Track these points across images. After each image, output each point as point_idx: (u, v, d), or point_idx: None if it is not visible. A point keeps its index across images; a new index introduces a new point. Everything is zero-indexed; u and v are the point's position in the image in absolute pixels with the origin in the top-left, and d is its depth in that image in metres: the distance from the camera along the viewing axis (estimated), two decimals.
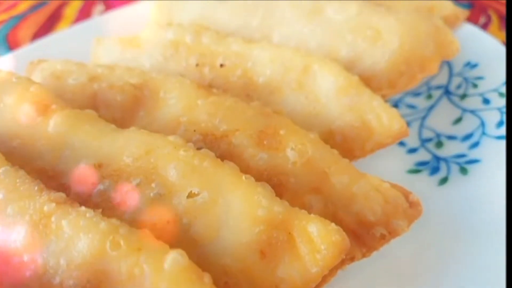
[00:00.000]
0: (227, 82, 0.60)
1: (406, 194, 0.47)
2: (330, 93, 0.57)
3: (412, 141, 0.70)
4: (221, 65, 0.61)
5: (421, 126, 0.72)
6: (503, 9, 1.15)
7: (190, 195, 0.39)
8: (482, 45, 0.82)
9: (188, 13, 0.74)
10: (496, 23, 1.06)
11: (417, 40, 0.61)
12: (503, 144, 0.63)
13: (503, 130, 0.65)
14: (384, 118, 0.55)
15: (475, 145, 0.65)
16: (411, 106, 0.76)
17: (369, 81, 0.63)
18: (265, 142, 0.48)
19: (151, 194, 0.40)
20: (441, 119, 0.72)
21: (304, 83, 0.59)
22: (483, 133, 0.66)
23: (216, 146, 0.49)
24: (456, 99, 0.75)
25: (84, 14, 1.14)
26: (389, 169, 0.64)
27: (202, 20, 0.72)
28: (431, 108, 0.76)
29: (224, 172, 0.40)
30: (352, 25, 0.64)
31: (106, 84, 0.55)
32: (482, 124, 0.67)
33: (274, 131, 0.49)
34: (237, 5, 0.70)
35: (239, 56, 0.61)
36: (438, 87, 0.79)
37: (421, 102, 0.78)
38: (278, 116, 0.52)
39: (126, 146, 0.43)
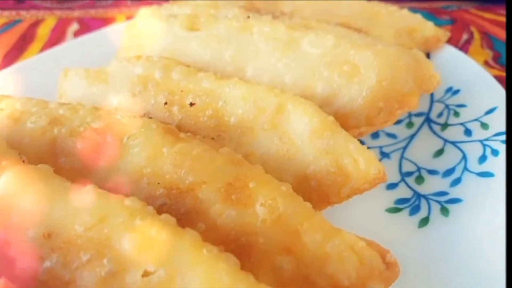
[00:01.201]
0: (197, 122, 0.57)
1: (383, 254, 0.44)
2: (304, 136, 0.54)
3: (392, 174, 0.67)
4: (191, 104, 0.58)
5: (402, 157, 0.69)
6: (485, 24, 1.13)
7: (145, 274, 0.36)
8: (465, 69, 0.80)
9: (160, 43, 0.70)
10: (478, 40, 1.04)
11: (396, 75, 0.59)
12: (485, 182, 0.60)
13: (485, 166, 0.62)
14: (361, 163, 0.52)
15: (457, 182, 0.63)
16: (392, 135, 0.74)
17: (346, 118, 0.60)
18: (233, 197, 0.45)
19: (103, 273, 0.36)
20: (422, 150, 0.70)
21: (277, 123, 0.56)
22: (465, 169, 0.63)
23: (181, 202, 0.46)
24: (437, 128, 0.73)
25: (58, 33, 1.11)
26: (367, 207, 0.62)
27: (174, 51, 0.69)
28: (412, 137, 0.73)
29: (184, 244, 0.36)
30: (328, 60, 0.61)
31: (67, 129, 0.52)
32: (464, 158, 0.65)
33: (243, 183, 0.46)
34: (210, 36, 0.67)
35: (210, 94, 0.58)
36: (419, 114, 0.77)
37: (401, 131, 0.76)
38: (248, 165, 0.49)
39: (79, 211, 0.40)
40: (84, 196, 0.40)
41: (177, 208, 0.45)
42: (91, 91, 0.64)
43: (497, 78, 0.89)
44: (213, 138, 0.57)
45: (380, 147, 0.73)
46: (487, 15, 1.21)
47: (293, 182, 0.54)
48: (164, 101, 0.59)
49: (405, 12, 0.90)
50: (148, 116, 0.60)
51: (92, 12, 1.18)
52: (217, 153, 0.50)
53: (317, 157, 0.53)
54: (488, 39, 1.09)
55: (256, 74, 0.63)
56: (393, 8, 0.92)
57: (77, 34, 1.11)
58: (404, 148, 0.73)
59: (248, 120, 0.57)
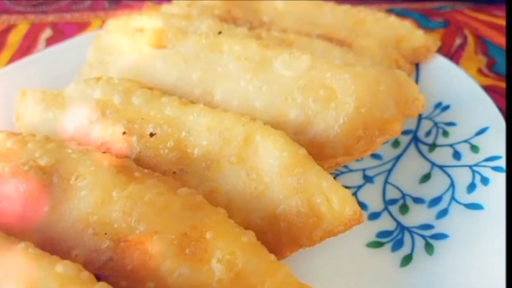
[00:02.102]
0: (158, 155, 0.52)
1: None
2: (273, 172, 0.49)
3: (376, 202, 0.62)
4: (151, 134, 0.53)
5: (386, 182, 0.64)
6: (479, 26, 1.07)
7: None
8: (456, 83, 0.75)
9: (124, 61, 0.65)
10: (472, 45, 0.99)
11: (375, 100, 0.53)
12: (473, 215, 0.55)
13: (474, 196, 0.57)
14: (334, 202, 0.47)
15: (443, 213, 0.58)
16: (376, 156, 0.69)
17: (322, 147, 0.55)
18: (187, 251, 0.40)
19: None
20: (408, 174, 0.65)
21: (245, 157, 0.51)
22: (453, 198, 0.58)
23: (129, 257, 0.41)
24: (424, 149, 0.68)
25: (29, 40, 1.05)
26: (347, 241, 0.57)
27: (139, 71, 0.63)
28: (397, 159, 0.68)
29: None
30: (303, 83, 0.56)
31: (10, 168, 0.47)
32: (452, 185, 0.60)
33: (200, 234, 0.41)
34: (176, 54, 0.61)
35: (173, 123, 0.53)
36: (406, 132, 0.71)
37: (387, 151, 0.70)
38: (209, 209, 0.44)
39: (8, 275, 0.34)
40: (13, 259, 0.35)
41: (124, 265, 0.40)
42: (47, 117, 0.59)
43: (492, 87, 0.84)
44: (175, 173, 0.51)
45: (364, 170, 0.68)
46: (482, 16, 1.15)
47: (262, 223, 0.49)
48: (123, 131, 0.54)
49: (392, 19, 0.85)
50: (105, 146, 0.55)
51: (67, 17, 1.12)
52: (174, 196, 0.44)
53: (287, 196, 0.48)
54: (482, 43, 1.03)
55: (225, 98, 0.58)
56: (380, 15, 0.86)
57: (49, 41, 1.05)
58: (389, 171, 0.68)
59: (214, 152, 0.52)
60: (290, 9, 0.90)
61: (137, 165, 0.51)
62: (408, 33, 0.84)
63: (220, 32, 0.66)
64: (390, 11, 1.14)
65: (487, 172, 0.60)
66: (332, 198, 0.48)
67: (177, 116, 0.54)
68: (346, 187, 0.62)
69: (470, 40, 1.06)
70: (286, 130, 0.56)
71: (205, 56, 0.60)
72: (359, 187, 0.65)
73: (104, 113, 0.56)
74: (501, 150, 0.61)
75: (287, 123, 0.56)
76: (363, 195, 0.64)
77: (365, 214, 0.62)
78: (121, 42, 0.67)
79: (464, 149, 0.66)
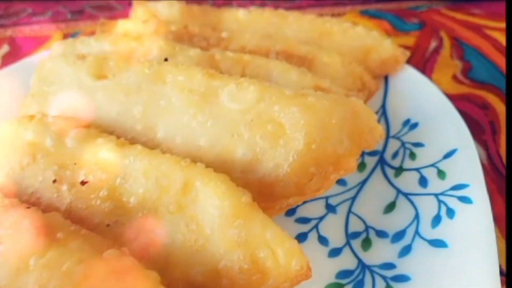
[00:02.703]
0: (90, 206, 0.48)
1: None
2: (214, 223, 0.45)
3: (338, 236, 0.58)
4: (83, 182, 0.48)
5: (349, 212, 0.60)
6: (456, 27, 1.03)
7: None
8: (425, 98, 0.71)
9: (63, 94, 0.60)
10: (448, 48, 0.94)
11: (327, 135, 0.49)
12: (437, 254, 0.51)
13: (438, 232, 0.53)
14: (280, 256, 0.43)
15: (406, 251, 0.54)
16: (341, 182, 0.65)
17: (271, 188, 0.51)
18: None
19: None
20: (373, 202, 0.61)
21: (184, 206, 0.46)
22: (417, 233, 0.54)
23: None
24: (391, 173, 0.64)
25: None
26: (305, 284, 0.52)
27: (79, 104, 0.58)
28: (363, 184, 0.64)
29: None
30: (250, 118, 0.51)
31: None
32: (417, 217, 0.56)
33: None
34: (118, 86, 0.57)
35: (107, 168, 0.49)
36: (373, 153, 0.67)
37: (352, 175, 0.66)
38: (136, 275, 0.39)
39: None
40: None
41: None
42: None
43: (466, 96, 0.81)
44: (108, 225, 0.47)
45: (327, 198, 0.64)
46: (459, 15, 1.11)
47: (203, 280, 0.45)
48: (53, 178, 0.49)
49: (359, 29, 0.80)
50: (35, 196, 0.50)
51: (27, 30, 1.06)
52: (98, 261, 0.40)
53: (228, 250, 0.44)
54: (458, 46, 0.99)
55: (168, 135, 0.54)
56: (346, 25, 0.81)
57: (6, 58, 1.00)
58: (353, 199, 0.64)
59: (151, 201, 0.47)
60: (253, 20, 0.85)
61: (67, 218, 0.47)
62: (376, 43, 0.79)
63: (166, 59, 0.61)
64: (364, 13, 1.10)
65: (453, 203, 0.56)
66: (277, 251, 0.44)
67: (112, 160, 0.49)
68: (307, 219, 0.59)
69: (446, 42, 1.01)
70: (233, 169, 0.52)
71: (147, 88, 0.56)
72: (321, 218, 0.61)
73: (35, 158, 0.51)
74: (469, 178, 0.57)
75: (234, 161, 0.51)
76: (324, 228, 0.60)
77: (325, 250, 0.58)
78: (61, 71, 0.62)
79: (430, 174, 0.62)
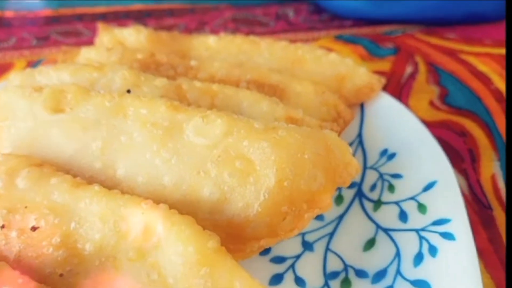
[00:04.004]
0: (41, 254, 0.43)
1: None
2: (177, 271, 0.41)
3: (315, 277, 0.54)
4: (34, 228, 0.43)
5: (327, 249, 0.56)
6: (431, 52, 1.02)
7: None
8: (403, 126, 0.68)
9: (17, 130, 0.55)
10: (424, 74, 0.93)
11: (299, 171, 0.46)
12: None
13: (421, 271, 0.50)
14: None
15: None
16: (318, 217, 0.60)
17: (241, 229, 0.47)
18: None
19: None
20: (351, 238, 0.58)
21: (145, 252, 0.42)
22: (398, 273, 0.51)
23: None
24: (369, 206, 0.60)
25: None
26: None
27: (33, 141, 0.54)
28: (340, 218, 0.61)
29: None
30: (217, 153, 0.47)
31: None
32: (398, 255, 0.52)
33: None
34: (75, 120, 0.52)
35: (60, 211, 0.44)
36: (351, 185, 0.63)
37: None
38: None
39: None
40: None
41: None
42: None
43: (444, 123, 0.79)
44: (61, 275, 0.42)
45: (303, 235, 0.60)
46: (434, 40, 1.09)
47: None
48: (1, 223, 0.44)
49: (333, 56, 0.77)
50: None
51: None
52: None
53: None
54: (434, 71, 0.97)
55: (128, 173, 0.49)
56: (319, 52, 0.78)
57: None
58: (331, 235, 0.60)
59: (109, 247, 0.43)
60: (224, 47, 0.82)
61: (16, 269, 0.42)
62: (350, 71, 0.76)
63: (128, 91, 0.57)
64: (339, 38, 1.08)
65: (435, 240, 0.53)
66: None
67: (66, 203, 0.45)
68: (283, 258, 0.55)
69: (422, 67, 0.99)
70: (200, 210, 0.48)
71: (107, 122, 0.52)
72: (298, 257, 0.57)
73: None
74: (450, 212, 0.54)
75: (200, 201, 0.47)
76: (301, 268, 0.57)
77: None
78: (16, 104, 0.57)
79: (410, 208, 0.58)
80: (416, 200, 0.59)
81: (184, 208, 0.47)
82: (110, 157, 0.51)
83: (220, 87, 0.63)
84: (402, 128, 0.70)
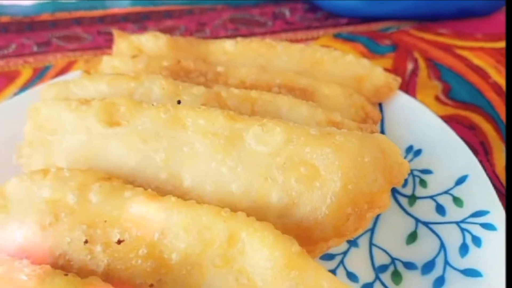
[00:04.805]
0: (130, 266, 0.45)
1: None
2: (266, 275, 0.43)
3: (365, 271, 0.58)
4: (119, 242, 0.45)
5: (371, 244, 0.59)
6: (428, 48, 1.06)
7: None
8: (423, 123, 0.72)
9: (71, 143, 0.56)
10: (425, 69, 0.97)
11: (363, 174, 0.49)
12: (473, 284, 0.51)
13: (469, 261, 0.54)
14: None
15: (440, 282, 0.54)
16: None
17: (310, 232, 0.50)
18: None
19: None
20: (393, 233, 0.61)
21: (231, 258, 0.45)
22: (447, 263, 0.54)
23: None
24: (404, 202, 0.64)
25: None
26: None
27: (90, 155, 0.55)
28: (378, 215, 0.63)
29: None
30: (281, 161, 0.50)
31: None
32: (443, 247, 0.56)
33: None
34: (133, 133, 0.54)
35: (142, 224, 0.46)
36: None
37: None
38: None
39: None
40: None
41: None
42: None
43: (453, 117, 0.82)
44: (152, 286, 0.44)
45: None
46: (428, 36, 1.14)
47: None
48: (84, 238, 0.46)
49: (350, 58, 0.81)
50: (65, 259, 0.47)
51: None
52: None
53: None
54: (434, 67, 1.02)
55: (195, 183, 0.52)
56: (336, 53, 0.82)
57: None
58: (372, 230, 0.64)
59: (194, 255, 0.45)
60: (241, 51, 0.84)
61: (106, 281, 0.44)
62: (368, 71, 0.80)
63: (179, 101, 0.58)
64: (338, 36, 1.11)
65: (477, 231, 0.57)
66: None
67: (146, 215, 0.47)
68: (332, 255, 0.58)
69: (421, 63, 1.04)
70: (268, 214, 0.51)
71: (166, 134, 0.54)
72: (345, 253, 0.61)
73: (58, 217, 0.48)
74: (487, 204, 0.58)
75: (269, 206, 0.50)
76: (350, 263, 0.60)
77: (357, 287, 0.57)
78: (63, 117, 0.58)
79: (446, 202, 0.62)
80: (451, 194, 0.63)
81: (254, 213, 0.50)
82: (174, 168, 0.53)
83: (258, 93, 0.66)
84: (423, 125, 0.74)
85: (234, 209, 0.50)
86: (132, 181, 0.54)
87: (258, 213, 0.50)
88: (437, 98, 0.93)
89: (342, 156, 0.50)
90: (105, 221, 0.47)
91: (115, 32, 0.87)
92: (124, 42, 0.86)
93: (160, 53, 0.84)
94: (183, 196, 0.52)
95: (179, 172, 0.53)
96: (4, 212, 0.50)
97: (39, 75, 0.98)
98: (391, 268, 0.58)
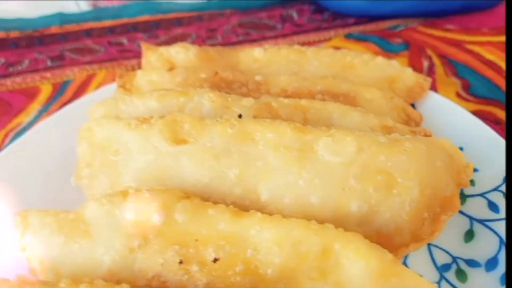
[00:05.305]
0: (230, 284, 0.46)
1: None
2: (364, 285, 0.44)
3: (428, 269, 0.59)
4: (215, 260, 0.46)
5: (429, 244, 0.61)
6: (439, 44, 1.09)
7: None
8: (459, 122, 0.73)
9: (138, 162, 0.56)
10: (440, 66, 1.00)
11: (437, 179, 0.51)
12: None
13: None
14: None
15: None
16: None
17: (390, 238, 0.52)
18: None
19: None
20: (449, 232, 0.62)
21: (327, 271, 0.46)
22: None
23: None
24: None
25: None
26: None
27: (162, 173, 0.56)
28: None
29: None
30: (357, 170, 0.52)
31: None
32: (502, 243, 0.57)
33: None
34: (202, 149, 0.55)
35: (233, 241, 0.47)
36: None
37: None
38: None
39: None
40: None
41: None
42: (70, 249, 0.50)
43: (478, 112, 0.85)
44: None
45: None
46: (437, 32, 1.17)
47: None
48: (178, 259, 0.46)
49: (380, 60, 0.83)
50: (159, 280, 0.47)
51: (8, 83, 0.99)
52: None
53: None
54: (449, 63, 1.05)
55: (273, 196, 0.53)
56: (366, 56, 0.83)
57: None
58: None
59: (289, 269, 0.46)
60: (271, 58, 0.85)
61: None
62: (398, 72, 0.82)
63: (240, 115, 0.59)
64: (349, 36, 1.13)
65: None
66: None
67: (236, 232, 0.48)
68: None
69: (436, 61, 1.06)
70: (348, 223, 0.52)
71: (237, 150, 0.54)
72: (406, 256, 0.62)
73: (147, 239, 0.48)
74: None
75: (349, 215, 0.51)
76: (413, 264, 0.61)
77: None
78: (124, 137, 0.59)
79: (498, 199, 0.64)
80: (501, 191, 0.65)
81: (333, 223, 0.51)
82: (250, 183, 0.54)
83: (308, 101, 0.67)
84: (459, 123, 0.76)
85: (314, 220, 0.50)
86: (207, 198, 0.54)
87: (337, 223, 0.52)
88: (458, 95, 0.96)
89: (415, 163, 0.52)
90: (196, 240, 0.48)
91: (143, 45, 0.87)
92: (154, 55, 0.86)
93: (191, 65, 0.84)
94: (261, 210, 0.52)
95: (255, 186, 0.54)
96: (87, 237, 0.50)
97: (60, 91, 0.97)
98: (454, 267, 0.60)
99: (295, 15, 1.24)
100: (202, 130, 0.57)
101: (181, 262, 0.47)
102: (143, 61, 0.86)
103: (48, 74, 1.02)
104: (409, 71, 0.83)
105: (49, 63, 1.06)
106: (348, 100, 0.74)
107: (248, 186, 0.54)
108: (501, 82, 0.98)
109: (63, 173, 0.66)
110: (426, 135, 0.63)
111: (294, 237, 0.47)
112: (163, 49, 0.86)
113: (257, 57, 0.86)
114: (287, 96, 0.71)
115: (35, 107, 0.94)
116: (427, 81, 0.82)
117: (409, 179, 0.51)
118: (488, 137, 0.72)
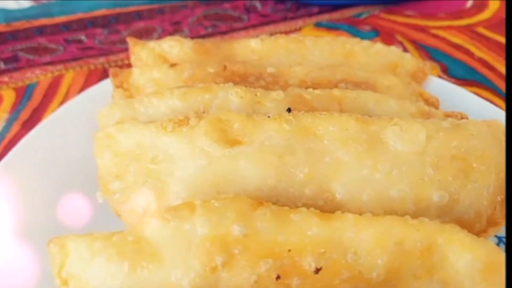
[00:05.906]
0: None
1: None
2: (475, 277, 0.42)
3: None
4: (317, 270, 0.42)
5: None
6: (405, 30, 1.10)
7: None
8: (466, 103, 0.74)
9: (187, 169, 0.51)
10: (415, 52, 1.01)
11: (504, 160, 0.50)
12: None
13: None
14: None
15: None
16: None
17: (470, 225, 0.50)
18: None
19: None
20: None
21: (432, 267, 0.43)
22: None
23: None
24: None
25: None
26: None
27: (218, 178, 0.50)
28: None
29: None
30: (433, 159, 0.49)
31: None
32: (503, 244, 0.59)
33: None
34: (262, 150, 0.50)
35: (330, 247, 0.43)
36: None
37: None
38: None
39: None
40: None
41: None
42: (139, 278, 0.44)
43: None
44: None
45: None
46: (399, 18, 1.18)
47: None
48: (275, 274, 0.42)
49: (379, 46, 0.81)
50: None
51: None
52: None
53: None
54: (421, 48, 1.06)
55: (349, 193, 0.49)
56: (366, 43, 0.82)
57: None
58: None
59: (394, 270, 0.43)
60: (269, 48, 0.81)
61: None
62: (399, 58, 0.81)
63: (289, 109, 0.55)
64: (319, 25, 1.12)
65: None
66: None
67: (331, 237, 0.44)
68: None
69: (408, 46, 1.08)
70: (428, 214, 0.50)
71: (301, 147, 0.50)
72: None
73: (231, 254, 0.43)
74: None
75: (430, 206, 0.49)
76: None
77: None
78: (161, 142, 0.52)
79: None
80: None
81: (414, 216, 0.49)
82: (321, 181, 0.50)
83: (341, 91, 0.64)
84: (466, 105, 0.77)
85: (395, 214, 0.48)
86: (275, 201, 0.50)
87: (417, 215, 0.49)
88: (441, 78, 0.97)
89: (486, 146, 0.51)
90: (289, 250, 0.43)
91: (130, 40, 0.79)
92: (143, 50, 0.78)
93: (188, 59, 0.78)
94: (338, 209, 0.49)
95: (327, 185, 0.50)
96: (156, 260, 0.44)
97: (26, 95, 0.86)
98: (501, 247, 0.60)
99: (258, 5, 1.20)
100: (254, 128, 0.52)
101: (278, 278, 0.42)
102: (132, 58, 0.79)
103: (5, 78, 0.90)
104: (408, 56, 0.82)
105: (2, 65, 0.94)
106: (369, 87, 0.71)
107: (320, 185, 0.50)
108: (474, 64, 1.01)
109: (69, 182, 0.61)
110: (462, 118, 0.62)
111: (396, 236, 0.44)
112: (153, 44, 0.78)
113: (254, 48, 0.81)
114: (307, 87, 0.67)
115: (1, 116, 0.82)
116: (426, 65, 0.82)
117: (484, 163, 0.50)
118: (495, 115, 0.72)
